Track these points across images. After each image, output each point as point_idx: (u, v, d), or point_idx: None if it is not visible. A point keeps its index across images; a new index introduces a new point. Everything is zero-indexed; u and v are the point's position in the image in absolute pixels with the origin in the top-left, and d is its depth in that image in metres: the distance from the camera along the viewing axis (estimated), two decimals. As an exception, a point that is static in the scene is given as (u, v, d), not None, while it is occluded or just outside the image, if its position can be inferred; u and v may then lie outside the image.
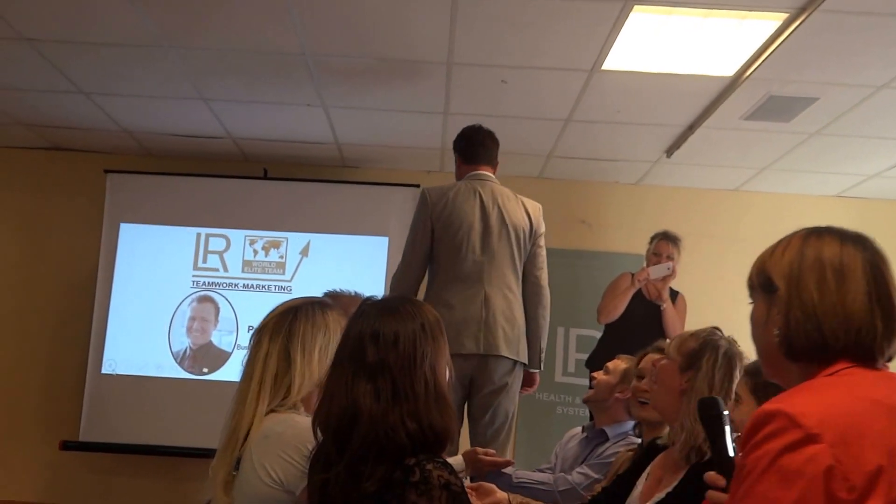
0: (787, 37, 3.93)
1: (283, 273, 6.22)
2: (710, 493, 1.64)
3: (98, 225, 6.30)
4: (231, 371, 5.96)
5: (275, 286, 6.20)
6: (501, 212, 4.13)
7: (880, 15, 3.74)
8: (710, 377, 2.51)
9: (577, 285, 6.36)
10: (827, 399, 1.43)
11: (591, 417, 3.82)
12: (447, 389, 1.94)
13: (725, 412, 1.72)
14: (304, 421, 2.14)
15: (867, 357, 1.53)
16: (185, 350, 6.17)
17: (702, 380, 2.51)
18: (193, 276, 6.24)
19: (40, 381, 6.32)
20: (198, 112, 5.49)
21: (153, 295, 6.20)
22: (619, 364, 3.55)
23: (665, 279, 5.17)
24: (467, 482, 2.99)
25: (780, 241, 1.75)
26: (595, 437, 3.53)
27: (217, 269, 6.25)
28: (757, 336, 1.67)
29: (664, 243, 5.24)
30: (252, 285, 6.22)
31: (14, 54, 4.67)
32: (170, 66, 4.75)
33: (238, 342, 6.11)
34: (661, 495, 2.50)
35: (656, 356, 2.89)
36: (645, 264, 5.32)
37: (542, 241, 4.27)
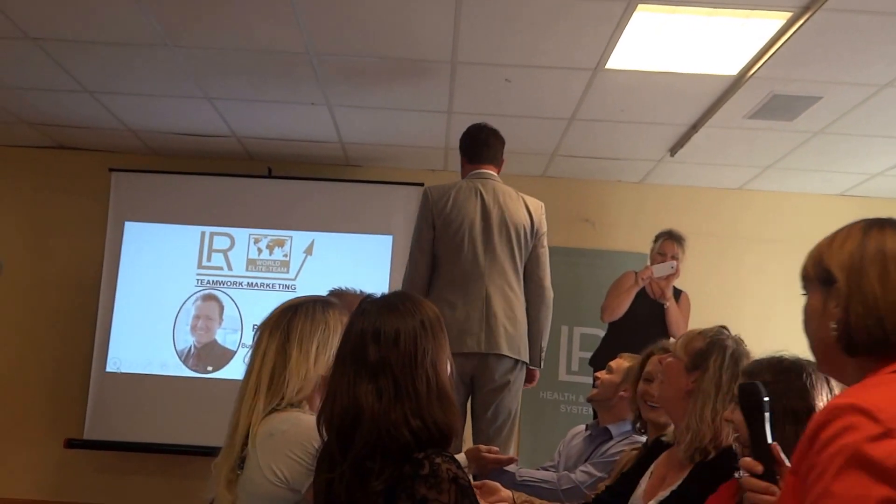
0: (791, 36, 3.93)
1: (288, 271, 6.23)
2: (746, 480, 1.62)
3: (103, 223, 6.31)
4: (235, 369, 5.98)
5: (279, 285, 6.21)
6: (502, 211, 4.13)
7: (884, 14, 3.74)
8: (717, 378, 2.48)
9: (581, 284, 6.37)
10: None
11: (595, 415, 3.83)
12: (449, 385, 1.95)
13: (766, 398, 1.69)
14: (309, 419, 2.14)
15: None
16: (190, 348, 6.18)
17: (708, 381, 2.48)
18: (198, 274, 6.26)
19: (45, 379, 6.33)
20: (202, 111, 5.50)
21: (158, 293, 6.21)
22: (622, 363, 3.55)
23: (669, 278, 5.17)
24: (472, 480, 3.00)
25: (837, 232, 1.67)
26: (599, 435, 3.53)
27: (221, 268, 6.26)
28: (811, 329, 1.62)
29: (669, 243, 5.24)
30: (256, 284, 6.23)
31: (19, 53, 4.68)
32: (174, 65, 4.76)
33: (242, 340, 6.13)
34: (664, 493, 2.50)
35: (661, 356, 2.88)
36: (649, 263, 5.32)
37: (544, 241, 4.26)
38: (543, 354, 4.26)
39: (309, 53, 4.52)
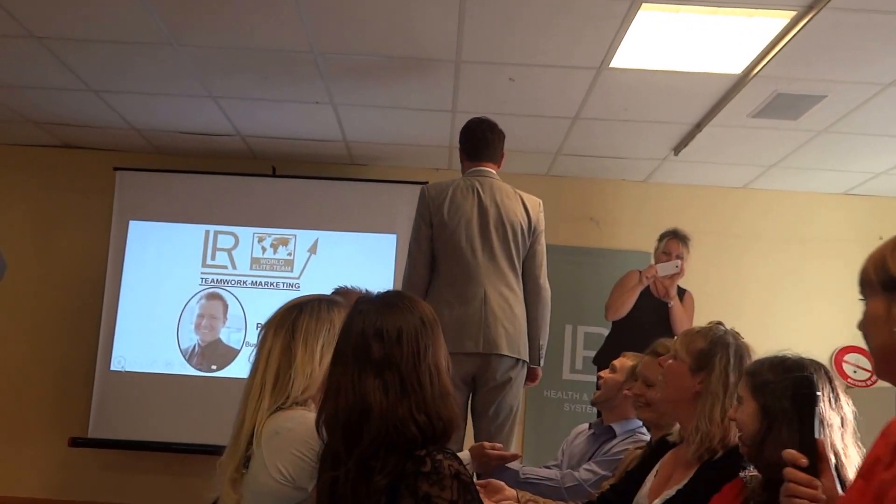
0: (795, 34, 3.93)
1: (292, 270, 6.24)
2: (789, 471, 1.62)
3: (107, 222, 6.32)
4: (239, 368, 5.99)
5: (283, 283, 6.22)
6: (500, 209, 4.11)
7: (888, 13, 3.74)
8: (725, 378, 2.47)
9: (585, 283, 6.36)
10: None
11: (599, 414, 3.83)
12: (449, 381, 1.96)
13: (818, 393, 1.68)
14: (314, 417, 2.14)
15: None
16: (194, 347, 6.19)
17: (716, 382, 2.48)
18: (202, 273, 6.27)
19: (50, 377, 6.34)
20: (207, 110, 5.51)
21: (162, 292, 6.22)
22: (625, 362, 3.55)
23: (673, 277, 5.16)
24: (475, 479, 3.00)
25: None
26: (603, 433, 3.53)
27: (225, 267, 6.27)
28: (873, 334, 1.59)
29: (674, 242, 5.23)
30: (260, 282, 6.24)
31: (24, 52, 4.69)
32: (179, 64, 4.77)
33: (246, 339, 6.13)
34: (670, 492, 2.50)
35: (660, 359, 2.87)
36: (653, 262, 5.32)
37: (541, 239, 4.23)
38: (543, 352, 4.25)
39: (313, 52, 4.53)
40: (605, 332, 5.54)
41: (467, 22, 4.10)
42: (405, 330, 1.92)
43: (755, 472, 2.18)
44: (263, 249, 6.28)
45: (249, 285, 6.24)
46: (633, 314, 5.18)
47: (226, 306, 6.23)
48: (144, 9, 4.10)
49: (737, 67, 4.44)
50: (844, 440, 2.01)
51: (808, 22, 3.80)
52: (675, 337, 2.88)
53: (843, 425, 2.02)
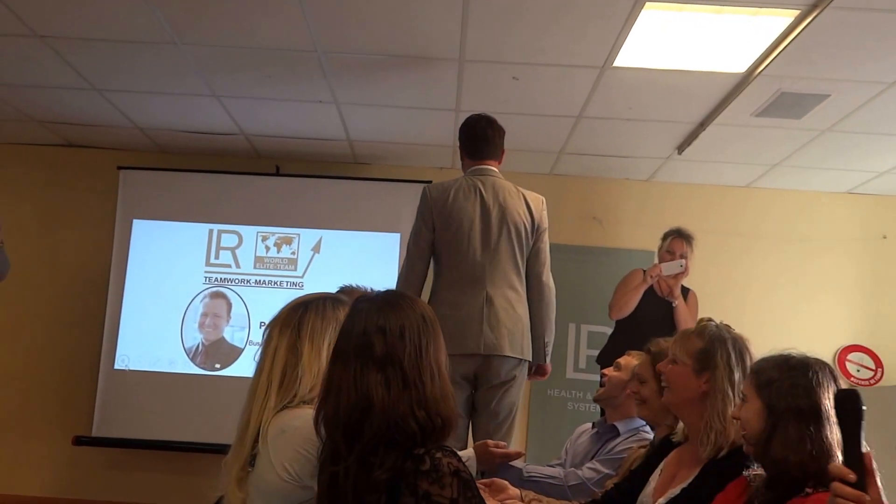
0: (799, 33, 3.93)
1: (295, 269, 6.25)
2: (837, 486, 1.62)
3: (111, 221, 6.34)
4: (243, 367, 6.00)
5: (287, 282, 6.23)
6: (503, 209, 4.08)
7: (892, 11, 3.74)
8: (730, 373, 2.49)
9: (588, 282, 6.36)
10: None
11: (602, 413, 3.83)
12: (448, 380, 1.97)
13: (864, 407, 1.69)
14: (319, 416, 2.15)
15: None
16: (198, 346, 6.20)
17: (721, 379, 2.49)
18: (206, 272, 6.27)
19: (54, 376, 6.35)
20: (210, 109, 5.52)
21: (166, 291, 6.23)
22: (630, 360, 3.54)
23: (677, 276, 5.16)
24: (478, 478, 3.00)
25: None
26: (606, 432, 3.53)
27: (229, 266, 6.28)
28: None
29: (678, 241, 5.23)
30: (264, 281, 6.25)
31: (27, 51, 4.70)
32: (182, 63, 4.78)
33: (250, 338, 6.14)
34: (675, 491, 2.50)
35: (660, 365, 2.87)
36: (657, 261, 5.32)
37: (545, 237, 4.20)
38: (549, 349, 4.23)
39: (317, 51, 4.53)
40: (609, 330, 5.55)
41: (471, 21, 4.10)
42: (407, 327, 1.93)
43: (759, 471, 2.19)
44: (267, 248, 6.29)
45: (253, 284, 6.25)
46: (636, 313, 5.18)
47: (229, 305, 6.24)
48: (148, 8, 4.10)
49: (740, 66, 4.44)
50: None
51: (811, 21, 3.80)
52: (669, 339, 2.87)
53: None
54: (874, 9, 3.72)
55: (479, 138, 4.21)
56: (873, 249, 6.52)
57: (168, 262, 6.27)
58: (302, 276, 6.23)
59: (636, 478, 2.82)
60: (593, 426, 3.67)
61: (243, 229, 6.30)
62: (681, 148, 5.74)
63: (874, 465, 1.68)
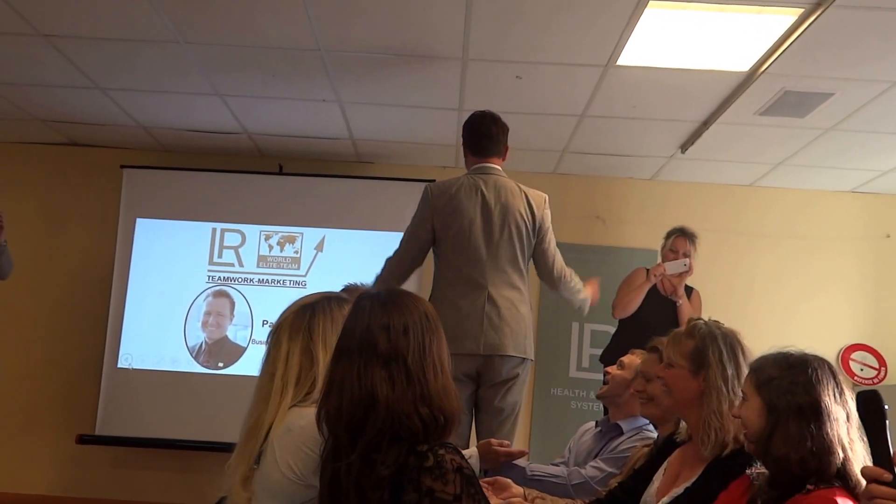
0: (803, 32, 3.93)
1: (298, 268, 6.25)
2: (874, 488, 1.62)
3: (114, 220, 6.34)
4: (246, 366, 6.00)
5: (290, 281, 6.23)
6: (504, 208, 4.06)
7: (895, 10, 3.74)
8: (723, 370, 2.49)
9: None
10: None
11: (606, 412, 3.82)
12: (450, 377, 1.98)
13: (886, 406, 1.69)
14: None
15: None
16: (201, 345, 6.20)
17: (714, 375, 2.49)
18: (209, 270, 6.28)
19: (57, 375, 6.36)
20: (213, 108, 5.52)
21: (169, 290, 6.24)
22: (633, 359, 3.54)
23: (681, 275, 5.15)
24: (482, 476, 3.01)
25: None
26: (609, 431, 3.52)
27: (232, 264, 6.28)
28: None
29: (681, 240, 5.22)
30: (267, 280, 6.25)
31: (31, 50, 4.70)
32: (186, 62, 4.78)
33: (253, 337, 6.13)
34: (678, 490, 2.50)
35: (659, 367, 2.86)
36: (660, 260, 5.31)
37: (549, 237, 4.18)
38: (586, 305, 4.35)
39: (320, 50, 4.53)
40: (612, 329, 5.54)
41: (474, 19, 4.10)
42: (411, 324, 1.94)
43: (762, 469, 2.19)
44: (270, 247, 6.29)
45: (256, 283, 6.25)
46: (639, 312, 5.18)
47: (233, 304, 6.24)
48: (151, 7, 4.10)
49: (744, 65, 4.43)
50: (850, 434, 2.02)
51: (815, 19, 3.80)
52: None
53: (848, 419, 2.03)
54: (878, 7, 3.72)
55: (483, 135, 4.18)
56: (877, 248, 6.51)
57: (171, 260, 6.28)
58: (305, 275, 6.23)
59: (640, 477, 2.81)
60: (597, 425, 3.67)
61: (246, 228, 6.31)
62: (684, 147, 5.74)
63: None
